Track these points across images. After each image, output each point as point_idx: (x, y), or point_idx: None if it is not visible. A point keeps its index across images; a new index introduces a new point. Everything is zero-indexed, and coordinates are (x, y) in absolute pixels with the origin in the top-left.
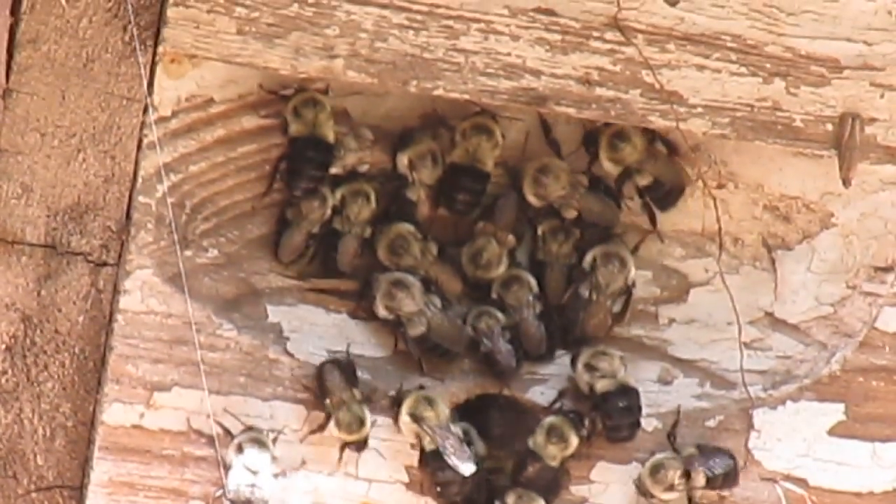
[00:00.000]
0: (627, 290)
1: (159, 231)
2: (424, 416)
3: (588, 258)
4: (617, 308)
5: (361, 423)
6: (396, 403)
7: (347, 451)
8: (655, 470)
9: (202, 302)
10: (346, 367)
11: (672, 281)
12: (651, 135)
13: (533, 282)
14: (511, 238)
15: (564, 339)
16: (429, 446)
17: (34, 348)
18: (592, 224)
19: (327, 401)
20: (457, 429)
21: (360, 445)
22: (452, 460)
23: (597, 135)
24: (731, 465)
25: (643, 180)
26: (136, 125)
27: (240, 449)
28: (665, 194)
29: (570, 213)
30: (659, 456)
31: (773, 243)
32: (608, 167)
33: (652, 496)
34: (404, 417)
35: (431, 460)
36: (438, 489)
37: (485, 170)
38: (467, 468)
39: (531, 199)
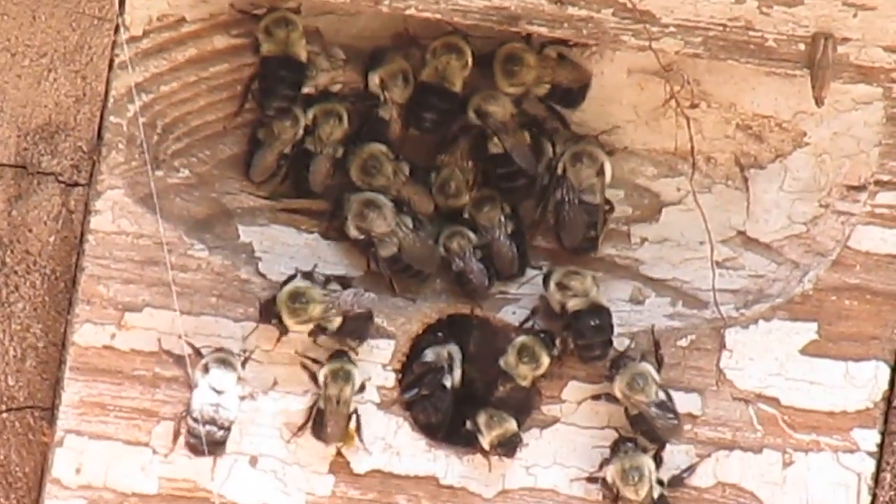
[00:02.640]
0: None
1: (130, 151)
2: (308, 315)
3: (559, 166)
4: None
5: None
6: (270, 316)
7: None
8: (634, 381)
9: (173, 222)
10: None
11: (644, 200)
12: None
13: (504, 202)
14: (470, 165)
15: (562, 250)
16: (331, 326)
17: (4, 269)
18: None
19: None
20: (335, 286)
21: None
22: (356, 316)
23: (490, 57)
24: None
25: (541, 90)
26: (107, 45)
27: (206, 369)
28: (566, 94)
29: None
30: (639, 366)
31: (745, 162)
32: (511, 92)
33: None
34: (293, 326)
35: (339, 332)
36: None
37: (453, 89)
38: (369, 313)
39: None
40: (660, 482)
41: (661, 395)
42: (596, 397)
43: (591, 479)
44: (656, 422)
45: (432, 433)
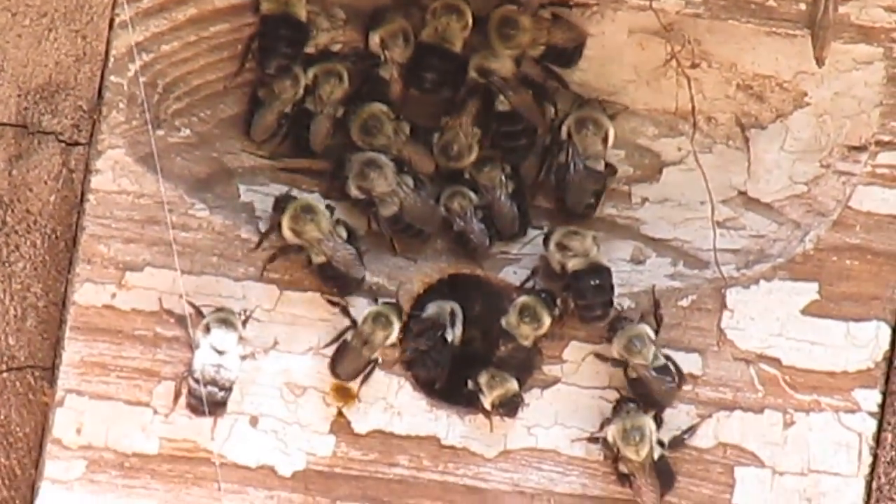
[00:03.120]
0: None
1: (131, 110)
2: (305, 231)
3: (563, 129)
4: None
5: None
6: (278, 211)
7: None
8: (631, 343)
9: (174, 182)
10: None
11: (645, 160)
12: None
13: (506, 161)
14: (476, 130)
15: (561, 212)
16: (316, 259)
17: (5, 228)
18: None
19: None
20: (342, 231)
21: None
22: (342, 269)
23: (484, 20)
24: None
25: (536, 52)
26: (107, 4)
27: (207, 329)
28: (561, 54)
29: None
30: (637, 328)
31: (746, 122)
32: (507, 55)
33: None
34: (287, 232)
35: (321, 272)
36: (336, 290)
37: (453, 50)
38: (358, 272)
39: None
40: (660, 443)
41: (660, 358)
42: (602, 358)
43: (592, 440)
44: (653, 385)
45: (432, 388)
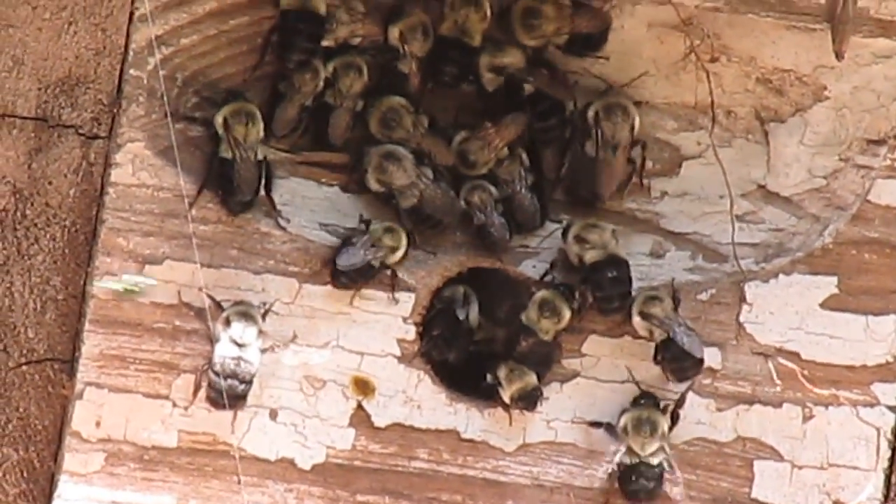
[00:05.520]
0: (637, 142)
1: (150, 104)
2: (236, 129)
3: (590, 114)
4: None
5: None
6: (221, 103)
7: None
8: (647, 301)
9: (194, 175)
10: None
11: (664, 154)
12: None
13: (524, 155)
14: (505, 151)
15: (576, 200)
16: (222, 153)
17: (25, 221)
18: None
19: None
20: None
21: None
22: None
23: (507, 12)
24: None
25: (560, 40)
26: None
27: (227, 322)
28: (587, 39)
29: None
30: (649, 291)
31: (765, 116)
32: (532, 45)
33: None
34: (219, 119)
35: (220, 164)
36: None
37: (472, 44)
38: (249, 185)
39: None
40: (666, 458)
41: (679, 318)
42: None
43: (594, 424)
44: (684, 337)
45: (448, 373)
